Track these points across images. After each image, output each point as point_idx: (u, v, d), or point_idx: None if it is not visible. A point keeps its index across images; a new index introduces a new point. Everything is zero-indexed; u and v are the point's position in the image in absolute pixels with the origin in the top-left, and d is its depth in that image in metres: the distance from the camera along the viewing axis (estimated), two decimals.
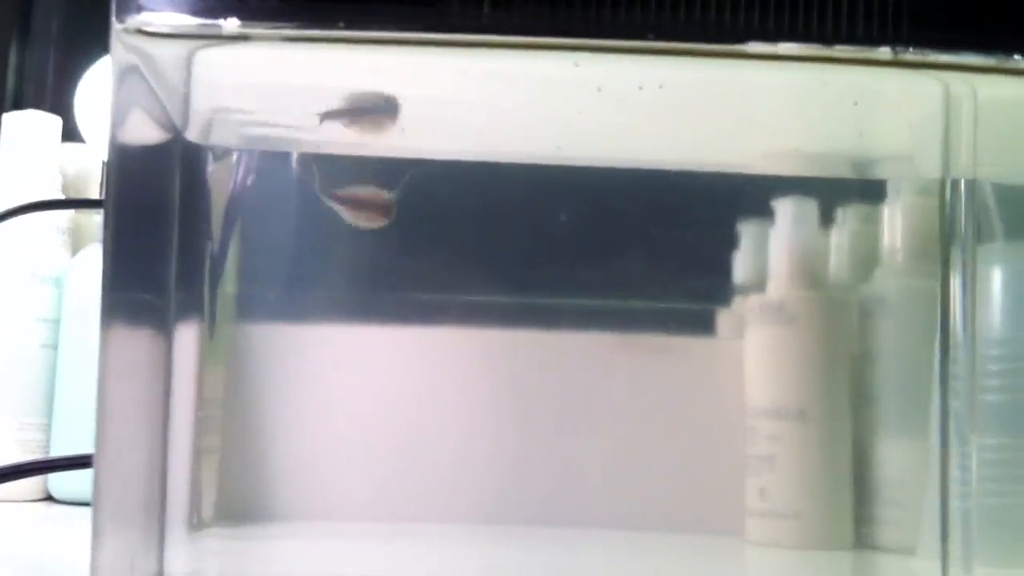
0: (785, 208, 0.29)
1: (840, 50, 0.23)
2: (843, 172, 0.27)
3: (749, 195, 0.28)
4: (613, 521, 0.28)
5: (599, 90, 0.24)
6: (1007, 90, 0.24)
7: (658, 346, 0.29)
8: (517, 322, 0.28)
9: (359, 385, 0.26)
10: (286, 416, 0.25)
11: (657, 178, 0.27)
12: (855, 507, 0.28)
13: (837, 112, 0.25)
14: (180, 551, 0.22)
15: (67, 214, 0.66)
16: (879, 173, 0.27)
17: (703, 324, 0.29)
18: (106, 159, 0.68)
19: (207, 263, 0.24)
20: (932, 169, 0.25)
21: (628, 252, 0.27)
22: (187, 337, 0.24)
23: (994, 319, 0.27)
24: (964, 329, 0.26)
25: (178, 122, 0.23)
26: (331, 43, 0.22)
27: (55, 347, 0.65)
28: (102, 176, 0.72)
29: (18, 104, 0.88)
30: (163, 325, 0.23)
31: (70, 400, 0.64)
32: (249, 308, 0.25)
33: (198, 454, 0.24)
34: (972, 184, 0.25)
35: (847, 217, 0.28)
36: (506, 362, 0.28)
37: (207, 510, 0.24)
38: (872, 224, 0.28)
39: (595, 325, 0.28)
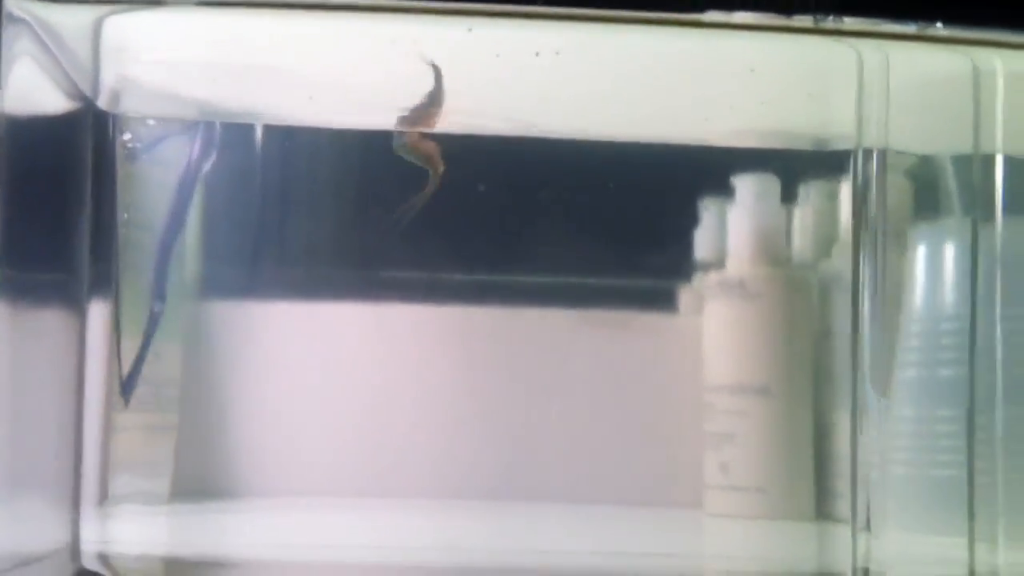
0: (745, 185, 0.29)
1: (757, 18, 0.22)
2: (751, 143, 0.26)
3: (710, 171, 0.28)
4: (574, 494, 0.28)
5: (537, 54, 0.23)
6: (926, 59, 0.24)
7: (617, 322, 0.29)
8: (477, 299, 0.28)
9: (316, 362, 0.26)
10: (236, 394, 0.24)
11: (614, 153, 0.26)
12: (816, 480, 0.28)
13: (739, 82, 0.24)
14: (91, 525, 0.22)
15: None
16: (787, 143, 0.27)
17: (662, 300, 0.29)
18: None
19: (118, 236, 0.23)
20: (845, 140, 0.25)
21: (586, 228, 0.27)
22: (101, 312, 0.23)
23: (914, 297, 0.27)
24: (872, 307, 0.26)
25: (87, 90, 0.22)
26: (240, 7, 0.22)
27: None
28: None
29: None
30: (75, 301, 0.23)
31: None
32: (191, 286, 0.24)
33: (110, 432, 0.23)
34: (883, 155, 0.25)
35: (808, 195, 0.28)
36: (466, 338, 0.28)
37: (126, 485, 0.23)
38: (832, 201, 0.28)
39: (554, 302, 0.28)
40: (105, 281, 0.23)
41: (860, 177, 0.25)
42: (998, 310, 0.25)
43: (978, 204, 0.25)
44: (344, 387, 0.26)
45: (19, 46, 0.19)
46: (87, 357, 0.23)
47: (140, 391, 0.24)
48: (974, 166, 0.25)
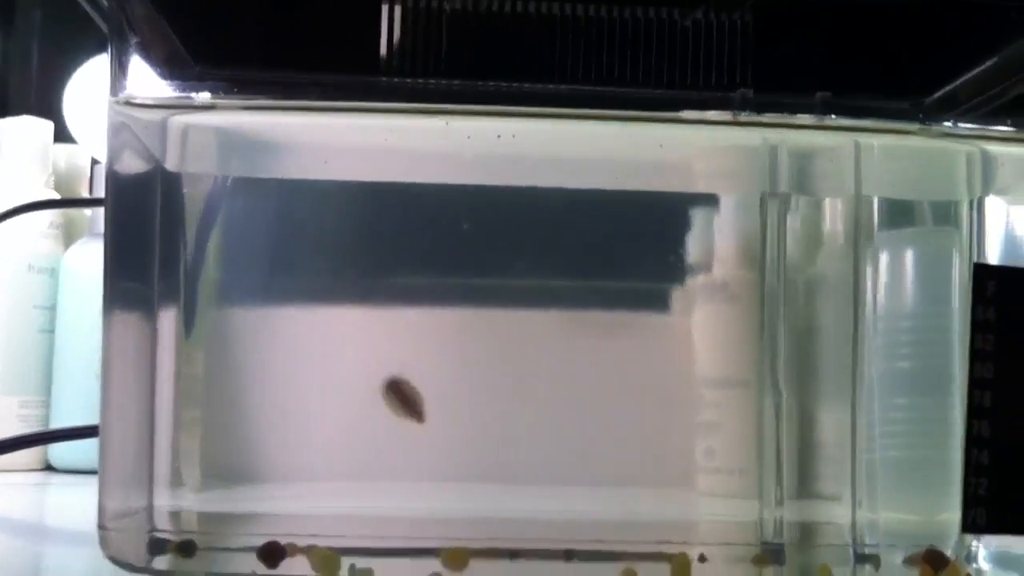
0: (728, 198, 0.32)
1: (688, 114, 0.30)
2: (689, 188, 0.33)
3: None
4: (573, 476, 0.31)
5: (513, 136, 0.30)
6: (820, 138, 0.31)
7: (614, 322, 0.32)
8: (477, 303, 0.31)
9: (336, 362, 0.30)
10: (264, 391, 0.30)
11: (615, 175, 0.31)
12: (797, 463, 0.31)
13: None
14: (162, 492, 0.28)
15: (60, 211, 0.72)
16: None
17: (656, 302, 0.32)
18: (94, 159, 0.73)
19: (182, 261, 0.30)
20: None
21: (583, 237, 0.31)
22: (167, 321, 0.30)
23: (904, 298, 0.33)
24: (873, 307, 0.31)
25: (159, 157, 0.29)
26: (282, 111, 0.29)
27: (51, 331, 0.69)
28: (91, 173, 0.77)
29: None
30: (150, 312, 0.29)
31: (66, 378, 0.68)
32: (226, 296, 0.31)
33: (178, 422, 0.29)
34: (788, 198, 0.32)
35: (797, 204, 0.32)
36: (466, 339, 0.31)
37: (190, 468, 0.30)
38: (816, 210, 0.32)
39: (559, 304, 0.31)
40: (172, 293, 0.30)
41: (772, 214, 0.31)
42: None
43: (862, 233, 0.32)
44: (352, 385, 0.31)
45: (119, 136, 0.26)
46: (157, 357, 0.29)
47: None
48: (857, 206, 0.32)
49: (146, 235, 0.29)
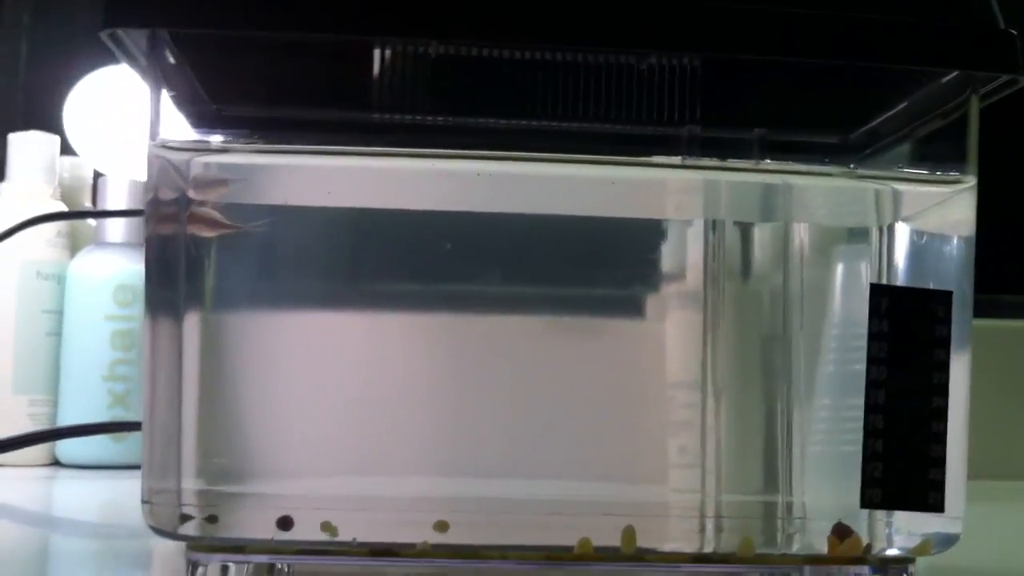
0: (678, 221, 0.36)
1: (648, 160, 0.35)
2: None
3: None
4: (553, 472, 0.34)
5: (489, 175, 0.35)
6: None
7: (595, 327, 0.35)
8: (461, 309, 0.35)
9: (328, 365, 0.34)
10: (263, 390, 0.35)
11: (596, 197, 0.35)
12: (762, 459, 0.35)
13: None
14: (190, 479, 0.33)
15: (66, 220, 0.77)
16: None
17: (633, 309, 0.36)
18: (97, 171, 0.77)
19: (203, 272, 0.34)
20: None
21: (572, 251, 0.35)
22: (190, 326, 0.34)
23: (828, 311, 0.37)
24: (801, 320, 0.36)
25: (183, 185, 0.34)
26: (284, 154, 0.34)
27: (59, 335, 0.74)
28: (94, 184, 0.81)
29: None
30: (177, 317, 0.34)
31: (71, 378, 0.73)
32: (231, 306, 0.35)
33: (196, 415, 0.34)
34: (723, 224, 0.37)
35: (741, 228, 0.36)
36: (450, 343, 0.35)
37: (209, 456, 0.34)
38: (753, 233, 0.36)
39: (547, 311, 0.35)
40: (194, 301, 0.34)
41: (713, 237, 0.36)
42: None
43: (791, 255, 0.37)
44: (340, 386, 0.34)
45: (156, 171, 0.31)
46: (183, 358, 0.34)
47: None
48: (787, 231, 0.37)
49: (175, 250, 0.33)
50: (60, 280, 0.75)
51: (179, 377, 0.33)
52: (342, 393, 0.35)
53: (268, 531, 0.31)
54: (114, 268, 0.74)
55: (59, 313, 0.74)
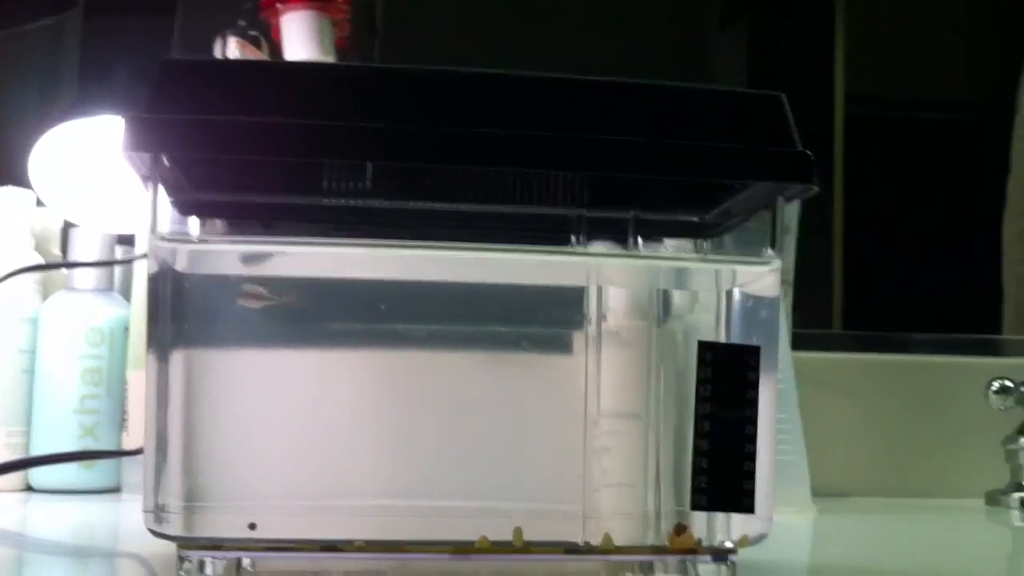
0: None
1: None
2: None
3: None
4: (482, 493, 0.43)
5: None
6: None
7: (523, 361, 0.43)
8: (405, 346, 0.43)
9: (277, 399, 0.44)
10: (222, 422, 0.44)
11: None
12: (677, 478, 0.43)
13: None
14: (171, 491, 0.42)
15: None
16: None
17: (561, 345, 0.45)
18: (67, 222, 0.85)
19: (183, 320, 0.44)
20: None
21: (500, 294, 0.45)
22: (176, 365, 0.44)
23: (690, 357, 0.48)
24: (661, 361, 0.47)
25: (170, 262, 0.44)
26: (259, 245, 0.44)
27: (31, 372, 0.81)
28: (63, 235, 0.89)
29: None
30: (165, 358, 0.43)
31: (43, 412, 0.80)
32: (198, 348, 0.45)
33: (168, 443, 0.43)
34: (603, 289, 0.48)
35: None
36: (392, 377, 0.43)
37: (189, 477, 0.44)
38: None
39: (478, 346, 0.45)
40: (181, 339, 0.44)
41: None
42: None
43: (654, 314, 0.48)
44: (294, 419, 0.43)
45: (153, 252, 0.41)
46: (169, 391, 0.43)
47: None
48: (652, 294, 0.48)
49: (164, 304, 0.43)
50: (33, 323, 0.82)
51: (165, 407, 0.43)
52: (299, 423, 0.44)
53: (241, 532, 0.41)
54: (86, 312, 0.82)
55: (32, 352, 0.81)
